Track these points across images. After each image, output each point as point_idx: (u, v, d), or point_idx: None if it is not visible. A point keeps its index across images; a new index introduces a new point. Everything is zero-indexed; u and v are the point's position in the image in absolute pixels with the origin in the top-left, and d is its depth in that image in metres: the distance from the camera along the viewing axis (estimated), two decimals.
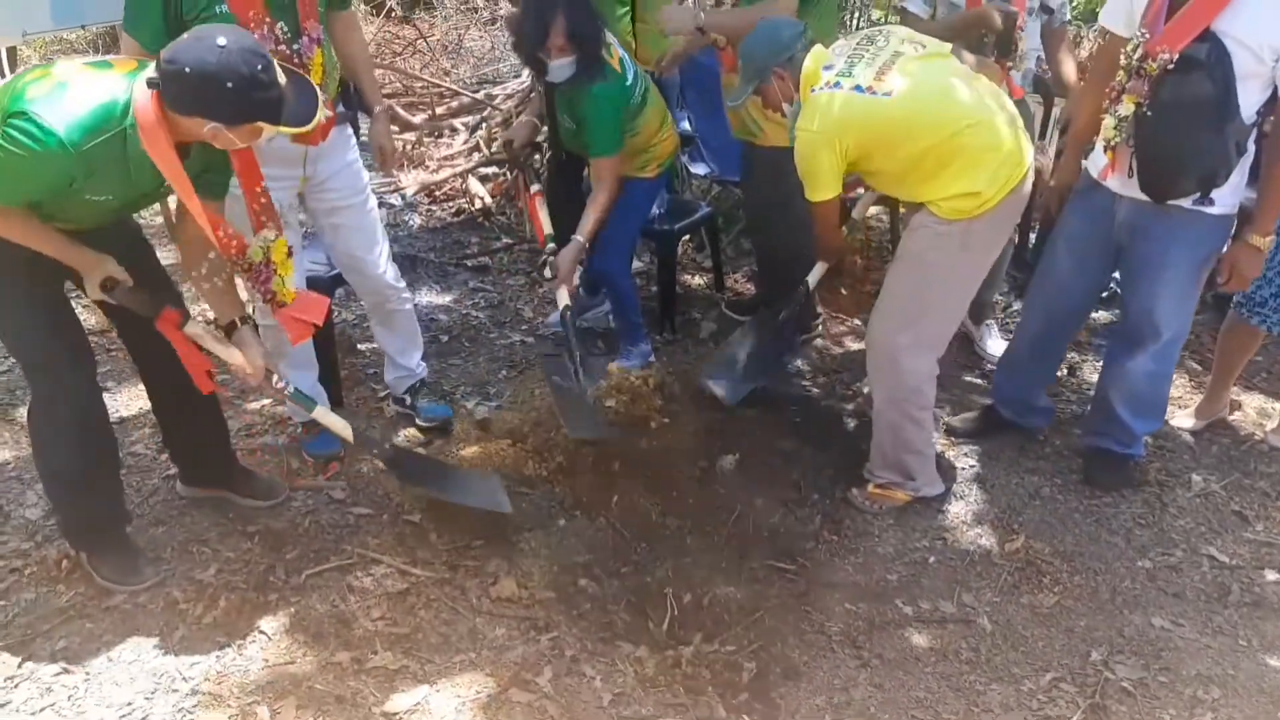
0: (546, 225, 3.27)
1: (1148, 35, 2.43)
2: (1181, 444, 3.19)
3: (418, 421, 3.20)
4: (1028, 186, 2.61)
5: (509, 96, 5.98)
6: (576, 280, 3.74)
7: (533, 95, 3.43)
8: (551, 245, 3.21)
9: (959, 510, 2.88)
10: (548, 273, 3.20)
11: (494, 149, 5.50)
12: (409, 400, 3.24)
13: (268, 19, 2.40)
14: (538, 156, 3.42)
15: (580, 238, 3.15)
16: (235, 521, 2.71)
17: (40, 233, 2.10)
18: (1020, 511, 2.86)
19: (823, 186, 2.57)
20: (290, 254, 2.37)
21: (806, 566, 2.64)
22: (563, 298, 3.19)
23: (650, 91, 3.27)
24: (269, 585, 2.48)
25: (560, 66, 2.96)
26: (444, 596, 2.47)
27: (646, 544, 2.70)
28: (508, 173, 5.21)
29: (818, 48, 2.60)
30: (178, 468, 2.77)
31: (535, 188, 3.35)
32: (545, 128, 3.41)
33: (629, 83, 3.13)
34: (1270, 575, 2.63)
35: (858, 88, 2.46)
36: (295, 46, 2.50)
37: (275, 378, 2.46)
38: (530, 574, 2.55)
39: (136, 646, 2.29)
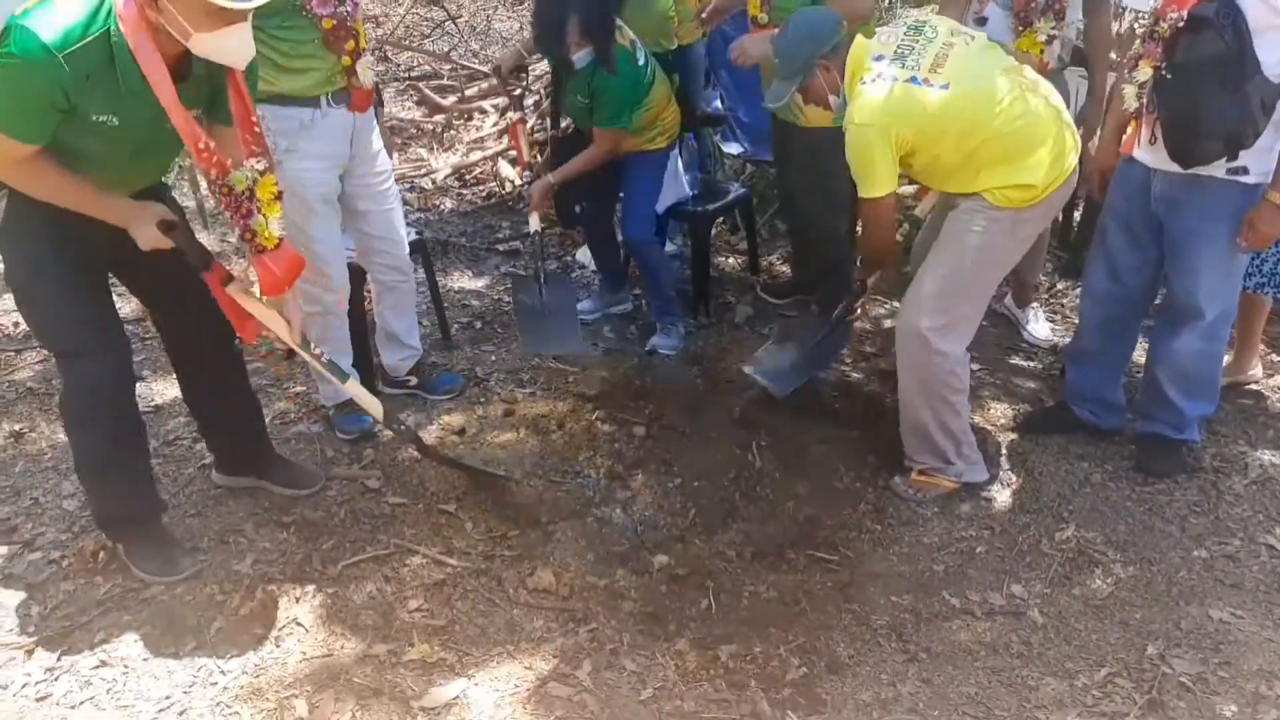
0: (526, 153, 3.52)
1: None
2: (1236, 428, 3.09)
3: (433, 396, 3.24)
4: (1075, 178, 2.59)
5: (538, 78, 5.92)
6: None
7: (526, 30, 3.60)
8: (529, 173, 3.49)
9: (1006, 498, 2.80)
10: (522, 203, 3.52)
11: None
12: (414, 380, 3.24)
13: None
14: (524, 79, 3.70)
15: (550, 177, 3.39)
16: (271, 511, 2.69)
17: (75, 185, 2.07)
18: (1070, 499, 2.78)
19: (879, 182, 2.48)
20: (279, 197, 2.24)
21: (849, 557, 2.58)
22: (534, 223, 3.44)
23: (656, 69, 3.41)
24: (305, 576, 2.46)
25: (579, 58, 3.16)
26: (481, 587, 2.44)
27: (684, 534, 2.65)
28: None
29: (861, 38, 2.53)
30: (213, 456, 2.76)
31: (517, 115, 3.63)
32: (535, 63, 3.72)
33: (640, 63, 3.26)
34: None
35: (914, 79, 2.40)
36: (344, 8, 2.56)
37: (313, 345, 2.44)
38: (567, 564, 2.51)
39: (174, 639, 2.28)
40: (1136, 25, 2.53)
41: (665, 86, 3.43)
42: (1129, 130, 2.65)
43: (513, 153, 5.37)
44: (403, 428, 2.66)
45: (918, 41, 2.46)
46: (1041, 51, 3.17)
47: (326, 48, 2.57)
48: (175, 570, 2.43)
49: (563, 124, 3.98)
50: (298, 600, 2.39)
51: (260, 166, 2.18)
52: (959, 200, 2.60)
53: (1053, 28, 3.15)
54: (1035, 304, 3.74)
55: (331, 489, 2.80)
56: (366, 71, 2.67)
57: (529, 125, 4.88)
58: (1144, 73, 2.46)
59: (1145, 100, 2.51)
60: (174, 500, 2.71)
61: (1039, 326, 3.69)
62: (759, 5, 3.35)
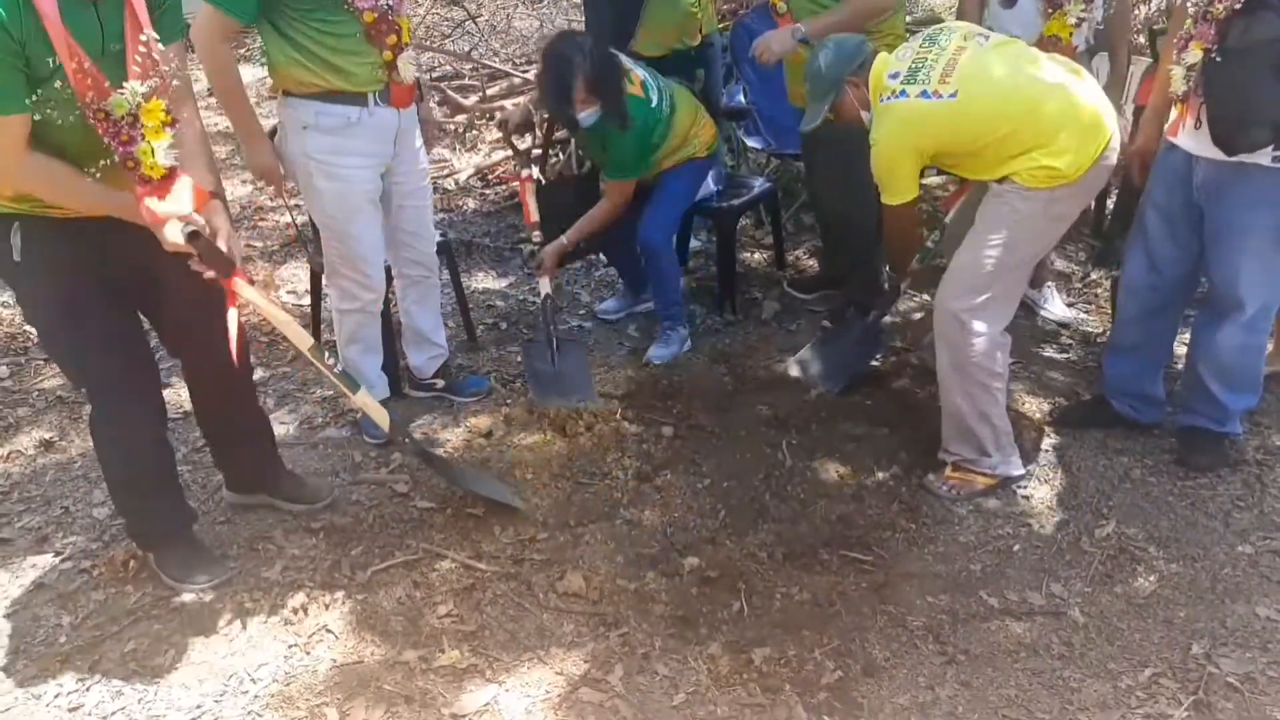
0: (534, 211, 3.39)
1: None
2: (1279, 419, 3.01)
3: (460, 399, 3.23)
4: (1113, 156, 2.55)
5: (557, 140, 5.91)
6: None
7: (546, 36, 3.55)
8: (538, 235, 3.35)
9: (1043, 494, 2.74)
10: (534, 264, 3.35)
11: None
12: (441, 383, 3.23)
13: None
14: (530, 138, 3.59)
15: (564, 239, 3.31)
16: (300, 517, 2.69)
17: (87, 181, 1.99)
18: (1110, 495, 2.72)
19: (900, 190, 2.61)
20: (168, 125, 2.04)
21: (884, 557, 2.53)
22: (544, 286, 3.33)
23: (677, 96, 3.35)
24: (335, 582, 2.45)
25: (585, 116, 3.10)
26: (510, 592, 2.41)
27: (714, 535, 2.61)
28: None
29: (881, 55, 2.65)
30: (223, 475, 2.73)
31: (526, 172, 3.47)
32: (541, 115, 3.55)
33: (654, 105, 3.22)
34: None
35: (924, 93, 2.49)
36: (389, 1, 2.55)
37: (327, 355, 2.42)
38: (596, 568, 2.48)
39: (205, 647, 2.27)
40: (1189, 5, 2.44)
41: (690, 108, 3.39)
42: (1172, 115, 2.58)
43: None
44: (408, 441, 2.61)
45: (930, 53, 2.53)
46: (1070, 34, 3.11)
47: (369, 42, 2.55)
48: (205, 578, 2.43)
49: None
50: (327, 607, 2.38)
51: (143, 89, 1.98)
52: (992, 184, 2.58)
53: (1081, 10, 3.09)
54: (1050, 283, 3.69)
55: (359, 493, 2.79)
56: (408, 67, 2.66)
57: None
58: (1194, 55, 2.39)
59: (1193, 83, 2.44)
60: (203, 508, 2.71)
61: (1055, 305, 3.65)
62: None
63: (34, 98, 1.91)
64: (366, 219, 2.74)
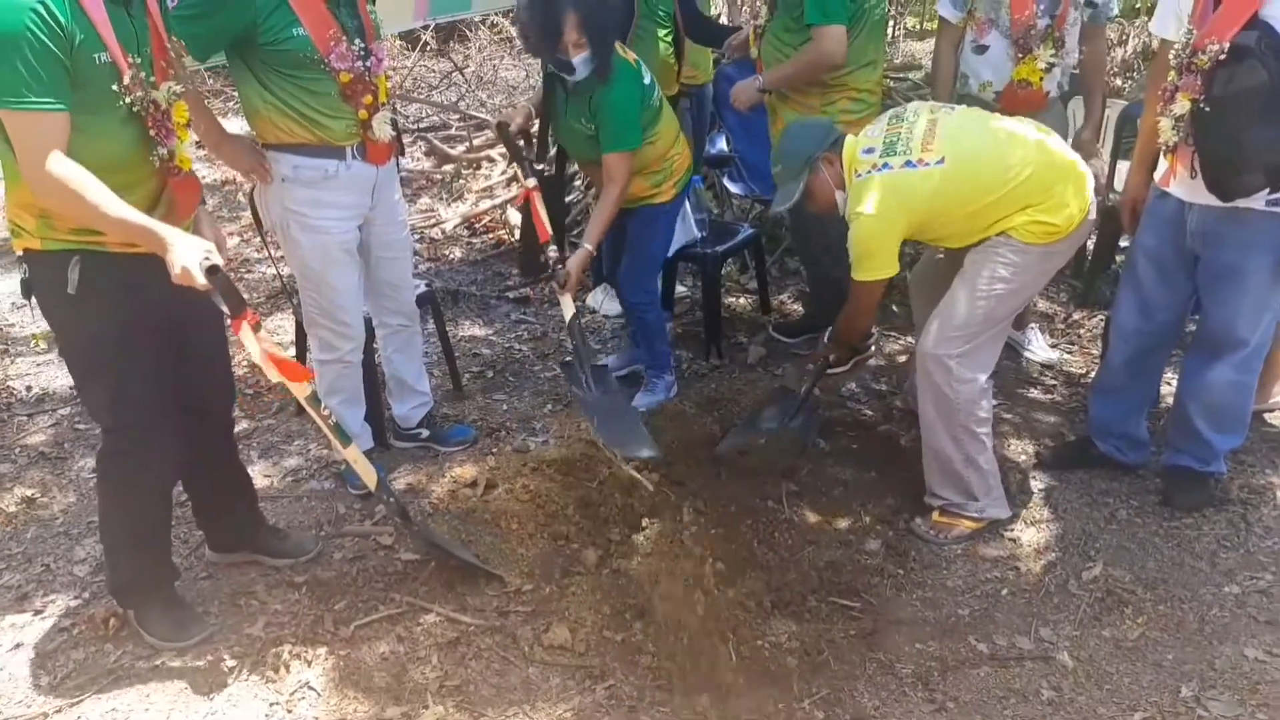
0: (547, 223, 3.11)
1: (1195, 31, 2.35)
2: (1263, 457, 3.02)
3: (445, 448, 3.21)
4: (1094, 212, 2.59)
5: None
6: (600, 302, 3.66)
7: (534, 86, 3.40)
8: (553, 248, 3.10)
9: (1030, 537, 2.74)
10: (556, 280, 3.06)
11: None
12: (426, 433, 3.22)
13: (343, 38, 2.50)
14: (533, 143, 3.32)
15: (588, 245, 3.06)
16: (283, 572, 2.66)
17: (116, 200, 1.95)
18: (1096, 537, 2.72)
19: (879, 265, 2.56)
20: (189, 126, 2.20)
21: (872, 603, 2.52)
22: (568, 307, 3.10)
23: (664, 102, 3.22)
24: (318, 638, 2.42)
25: (574, 63, 2.87)
26: (495, 645, 2.39)
27: (702, 584, 2.59)
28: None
29: (850, 137, 2.64)
30: (205, 534, 2.71)
31: (532, 182, 3.14)
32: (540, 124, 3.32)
33: (646, 81, 3.07)
34: None
35: (909, 163, 2.47)
36: (367, 64, 2.58)
37: (323, 405, 2.39)
38: (583, 619, 2.46)
39: (185, 706, 2.24)
40: (1170, 56, 2.47)
41: (674, 121, 3.26)
42: (1162, 165, 2.60)
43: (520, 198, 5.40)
44: (393, 501, 2.55)
45: (901, 128, 2.54)
46: (1041, 79, 3.17)
47: (344, 101, 2.58)
48: (186, 636, 2.40)
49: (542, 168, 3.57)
50: (310, 663, 2.34)
51: (178, 89, 2.12)
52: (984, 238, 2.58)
53: (1052, 55, 3.15)
54: (1033, 325, 3.72)
55: (344, 547, 2.77)
56: (383, 126, 2.67)
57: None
58: (1181, 105, 2.41)
59: (1183, 134, 2.46)
60: (185, 563, 2.68)
61: (1039, 346, 3.67)
62: (754, 41, 3.42)
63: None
64: (344, 270, 2.75)
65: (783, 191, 2.67)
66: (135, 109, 2.02)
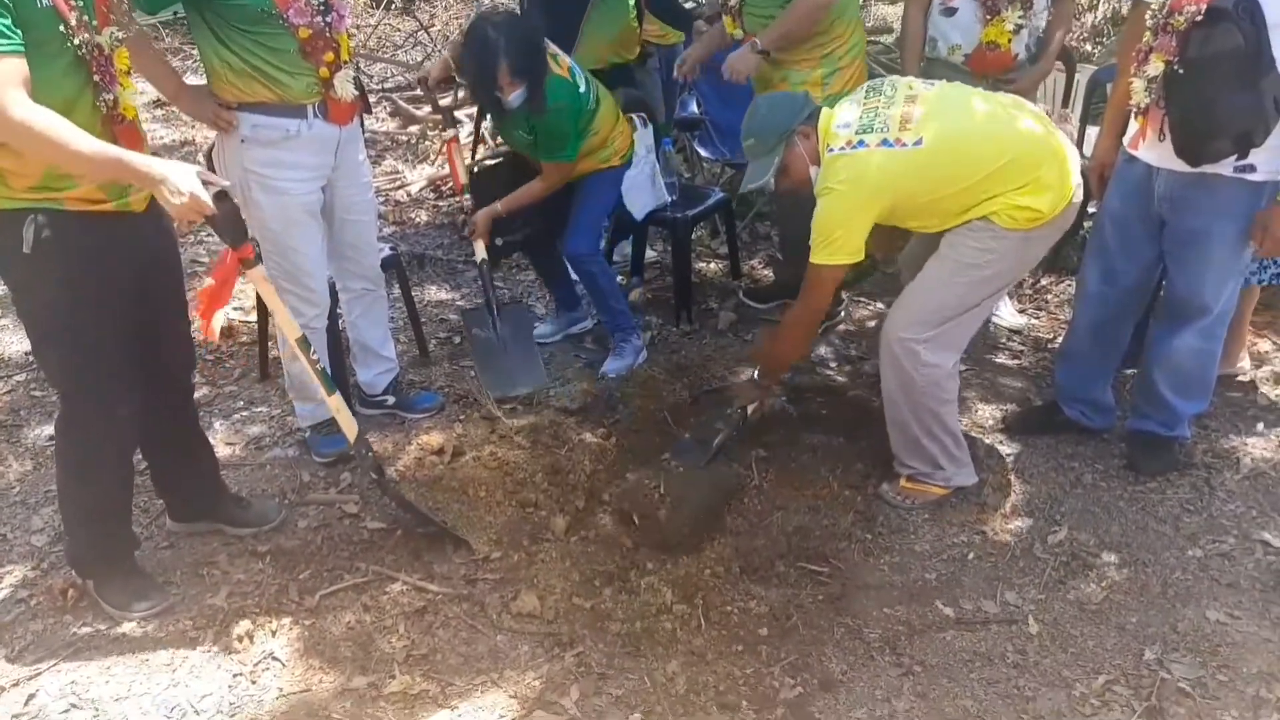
0: (462, 174, 3.29)
1: None
2: (1226, 422, 3.05)
3: (411, 415, 3.18)
4: (1080, 192, 2.52)
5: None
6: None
7: (451, 40, 3.46)
8: (468, 197, 3.27)
9: (996, 501, 2.76)
10: (466, 229, 3.30)
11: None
12: (392, 399, 3.17)
13: None
14: (452, 96, 3.50)
15: (499, 205, 3.24)
16: (246, 541, 2.62)
17: (89, 137, 1.89)
18: (1061, 501, 2.74)
19: (841, 250, 2.42)
20: (130, 74, 2.12)
21: (840, 568, 2.52)
22: (479, 251, 3.28)
23: (601, 91, 3.29)
24: (282, 608, 2.39)
25: (510, 100, 3.00)
26: (463, 614, 2.37)
27: (670, 550, 2.58)
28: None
29: (825, 110, 2.53)
30: (166, 503, 2.66)
31: (451, 132, 3.31)
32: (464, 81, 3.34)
33: (582, 90, 3.15)
34: None
35: (885, 142, 2.37)
36: (327, 19, 2.51)
37: (312, 349, 2.38)
38: (551, 587, 2.44)
39: (147, 678, 2.20)
40: (1146, 17, 2.44)
41: (612, 108, 3.33)
42: (1132, 127, 2.58)
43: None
44: (368, 454, 2.52)
45: (879, 103, 2.44)
46: (1009, 40, 3.15)
47: (304, 58, 2.50)
48: (146, 606, 2.36)
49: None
50: (274, 634, 2.32)
51: (120, 35, 2.06)
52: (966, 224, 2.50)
53: (1020, 16, 3.13)
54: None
55: (308, 515, 2.73)
56: (345, 85, 2.60)
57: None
58: (1155, 67, 2.38)
59: (1154, 96, 2.43)
60: (145, 533, 2.64)
61: (1006, 312, 3.68)
62: (732, 23, 3.36)
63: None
64: (307, 232, 2.69)
65: (755, 168, 2.55)
66: (81, 53, 1.95)
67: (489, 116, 3.36)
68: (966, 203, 2.43)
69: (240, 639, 2.29)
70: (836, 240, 2.42)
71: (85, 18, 1.97)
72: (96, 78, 2.00)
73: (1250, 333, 3.34)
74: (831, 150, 2.44)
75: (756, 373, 2.83)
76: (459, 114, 4.66)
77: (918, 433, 2.65)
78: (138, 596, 2.38)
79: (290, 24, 2.43)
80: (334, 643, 2.29)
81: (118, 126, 2.07)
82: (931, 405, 2.60)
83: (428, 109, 6.17)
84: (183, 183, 1.93)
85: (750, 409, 2.91)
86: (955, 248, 2.51)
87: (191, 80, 2.77)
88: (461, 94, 3.60)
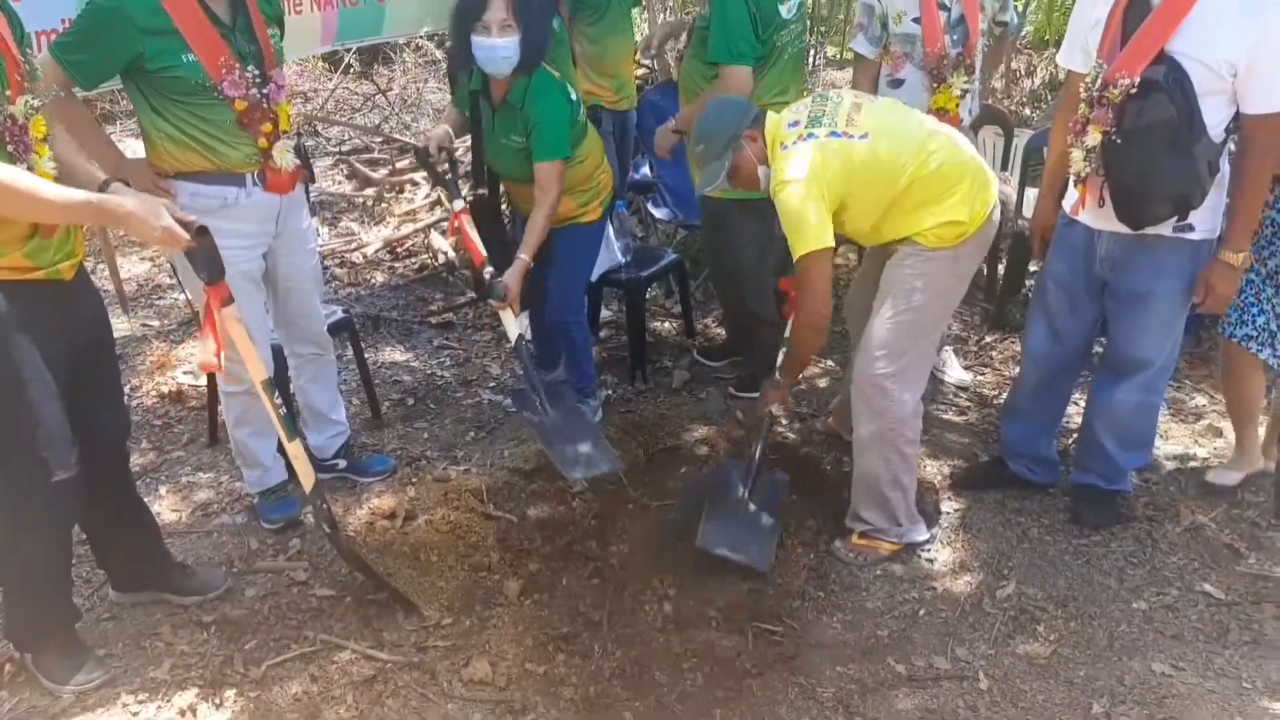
0: (479, 245, 3.04)
1: (1106, 65, 2.42)
2: (1166, 475, 3.13)
3: (363, 479, 3.14)
4: (997, 214, 2.64)
5: (469, 149, 5.93)
6: (526, 325, 3.65)
7: (448, 108, 3.29)
8: (490, 269, 3.00)
9: (946, 557, 2.79)
10: (493, 296, 2.95)
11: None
12: (343, 463, 3.15)
13: (236, 65, 2.44)
14: (449, 167, 3.17)
15: (524, 256, 2.97)
16: (191, 610, 2.57)
17: (50, 186, 1.90)
18: (1009, 555, 2.78)
19: (813, 236, 2.46)
20: (44, 141, 2.04)
21: (794, 627, 2.53)
22: (513, 326, 3.02)
23: (589, 124, 3.23)
24: (226, 680, 2.34)
25: (501, 47, 2.80)
26: (413, 682, 2.33)
27: (623, 612, 2.58)
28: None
29: (772, 113, 2.64)
30: (107, 573, 2.60)
31: (459, 205, 3.09)
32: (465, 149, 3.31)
33: (574, 99, 3.07)
34: (1268, 610, 2.55)
35: (834, 133, 2.49)
36: (264, 91, 2.51)
37: (276, 394, 2.38)
38: (504, 652, 2.42)
39: None
40: (1080, 90, 2.54)
41: (598, 141, 3.28)
42: (1072, 193, 2.66)
43: (444, 224, 5.34)
44: (323, 505, 2.46)
45: (827, 105, 2.57)
46: (956, 105, 3.27)
47: (241, 129, 2.51)
48: (84, 679, 2.30)
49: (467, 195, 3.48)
50: (218, 707, 2.26)
51: (36, 103, 2.02)
52: (894, 248, 2.63)
53: (965, 82, 3.25)
54: (948, 347, 3.80)
55: (256, 583, 2.69)
56: (285, 154, 2.60)
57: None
58: (1093, 138, 2.46)
59: (1094, 164, 2.51)
60: (87, 604, 2.58)
61: (953, 369, 3.76)
62: (675, 67, 3.45)
63: None
64: (247, 298, 2.64)
65: (707, 172, 2.61)
66: None
67: (476, 134, 3.15)
68: (903, 206, 2.53)
69: (183, 713, 2.23)
70: (808, 229, 2.46)
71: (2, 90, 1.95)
72: (10, 148, 1.97)
73: (1189, 385, 3.44)
74: (785, 146, 2.53)
75: (775, 376, 2.83)
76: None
77: (884, 483, 2.70)
78: (75, 669, 2.31)
79: (225, 97, 2.44)
80: (280, 714, 2.24)
81: None
82: (901, 446, 2.67)
83: (385, 172, 6.21)
84: (154, 217, 1.97)
85: (775, 409, 2.85)
86: (893, 281, 2.62)
87: (130, 145, 2.76)
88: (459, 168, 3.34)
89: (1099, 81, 2.44)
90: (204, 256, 2.12)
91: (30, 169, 2.00)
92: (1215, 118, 2.37)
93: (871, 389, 2.64)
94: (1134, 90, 2.35)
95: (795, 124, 2.56)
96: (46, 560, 2.27)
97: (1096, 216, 2.60)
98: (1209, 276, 2.52)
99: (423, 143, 3.17)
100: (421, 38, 7.46)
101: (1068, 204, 2.72)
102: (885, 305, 2.63)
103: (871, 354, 2.63)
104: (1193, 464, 3.19)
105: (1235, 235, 2.48)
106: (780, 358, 2.85)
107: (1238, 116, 2.40)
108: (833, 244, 2.50)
